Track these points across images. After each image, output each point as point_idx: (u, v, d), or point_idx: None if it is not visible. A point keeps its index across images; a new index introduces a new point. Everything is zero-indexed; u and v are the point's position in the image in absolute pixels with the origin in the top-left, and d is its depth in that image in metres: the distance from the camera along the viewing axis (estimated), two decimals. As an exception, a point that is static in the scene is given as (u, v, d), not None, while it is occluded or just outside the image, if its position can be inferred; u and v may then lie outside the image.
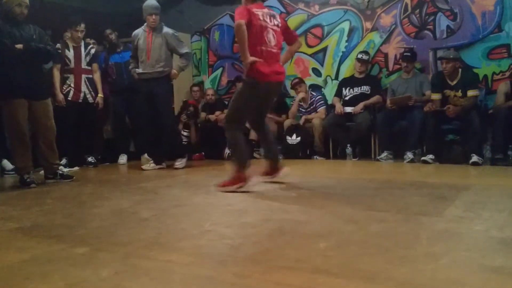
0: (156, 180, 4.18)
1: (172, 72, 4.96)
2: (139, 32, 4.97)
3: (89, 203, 3.08)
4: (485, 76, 5.11)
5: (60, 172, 4.22)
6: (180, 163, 5.03)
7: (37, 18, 4.17)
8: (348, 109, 5.50)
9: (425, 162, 4.74)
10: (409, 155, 4.94)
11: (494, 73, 5.07)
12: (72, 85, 5.22)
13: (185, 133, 6.16)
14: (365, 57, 5.61)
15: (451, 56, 4.77)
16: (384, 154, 5.13)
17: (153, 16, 4.84)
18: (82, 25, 5.17)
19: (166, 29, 4.98)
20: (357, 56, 5.66)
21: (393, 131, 5.21)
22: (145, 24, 4.95)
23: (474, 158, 4.48)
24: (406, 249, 1.82)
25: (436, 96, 4.90)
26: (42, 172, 4.30)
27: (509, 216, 2.36)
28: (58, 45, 5.14)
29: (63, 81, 5.23)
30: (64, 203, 3.13)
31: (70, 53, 5.21)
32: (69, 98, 5.19)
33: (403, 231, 2.12)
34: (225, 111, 6.31)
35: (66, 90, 5.20)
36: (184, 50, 5.02)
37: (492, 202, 2.75)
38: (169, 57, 5.00)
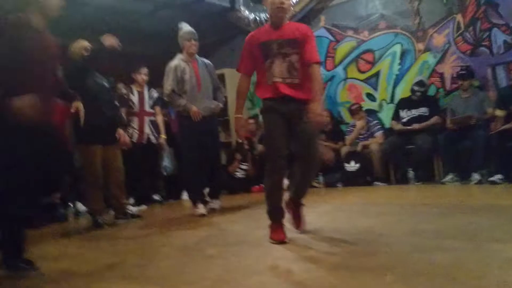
0: (219, 215, 4.28)
1: (219, 107, 4.54)
2: (180, 63, 4.36)
3: (158, 242, 3.22)
4: (552, 89, 4.85)
5: (130, 211, 4.43)
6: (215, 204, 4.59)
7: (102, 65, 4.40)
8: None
9: (493, 182, 4.53)
10: (476, 176, 4.75)
11: (561, 84, 4.82)
12: (136, 127, 5.51)
13: (243, 167, 6.30)
14: (421, 89, 5.49)
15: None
16: (449, 177, 4.96)
17: (193, 41, 4.37)
18: (145, 69, 5.48)
19: (203, 59, 4.55)
20: (411, 88, 5.58)
21: (456, 152, 5.04)
22: (179, 55, 4.43)
23: (547, 175, 4.24)
24: (477, 279, 1.77)
25: (500, 113, 4.71)
26: (112, 212, 4.53)
27: None
28: (124, 91, 5.47)
29: (128, 124, 5.52)
30: (135, 242, 3.29)
31: (135, 97, 5.53)
32: (134, 140, 5.46)
33: (473, 259, 2.05)
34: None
35: (130, 133, 5.48)
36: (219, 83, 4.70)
37: None
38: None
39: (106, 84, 4.22)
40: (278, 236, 2.76)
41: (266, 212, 2.85)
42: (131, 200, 5.29)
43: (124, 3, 5.72)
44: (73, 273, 2.52)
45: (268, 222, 2.85)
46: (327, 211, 3.93)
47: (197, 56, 4.47)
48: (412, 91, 5.54)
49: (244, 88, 2.98)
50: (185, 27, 4.47)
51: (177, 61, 4.38)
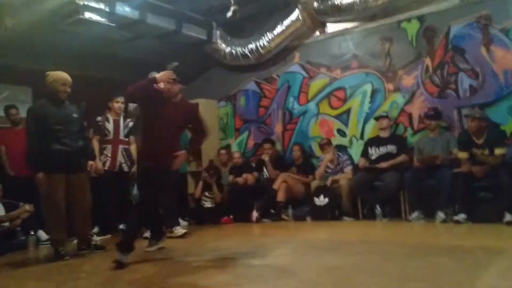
0: (184, 249, 4.21)
1: None
2: None
3: (120, 276, 3.13)
4: (513, 133, 5.07)
5: (94, 242, 4.31)
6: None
7: (78, 93, 4.39)
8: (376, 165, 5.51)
9: (457, 222, 4.62)
10: (441, 214, 4.84)
11: (522, 129, 5.03)
12: (109, 154, 5.41)
13: (209, 196, 6.27)
14: (383, 114, 5.73)
15: (477, 115, 4.79)
16: (415, 214, 5.05)
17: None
18: (122, 98, 5.44)
19: None
20: (375, 118, 5.84)
21: (422, 190, 5.15)
22: None
23: (508, 217, 4.36)
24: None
25: (463, 155, 4.86)
26: (75, 241, 4.40)
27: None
28: (99, 118, 5.41)
29: (101, 151, 5.43)
30: (96, 276, 3.19)
31: (110, 125, 5.45)
32: (106, 168, 5.36)
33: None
34: (254, 173, 6.48)
35: (103, 160, 5.38)
36: None
37: (528, 269, 2.67)
38: None
39: (75, 115, 4.17)
40: None
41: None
42: (96, 229, 5.17)
43: (103, 31, 5.72)
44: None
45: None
46: (296, 247, 3.92)
47: None
48: (375, 118, 5.81)
49: None
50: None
51: None
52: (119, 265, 3.32)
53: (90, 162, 4.38)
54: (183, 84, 3.85)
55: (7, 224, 4.93)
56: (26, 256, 4.52)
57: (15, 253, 4.55)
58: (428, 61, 5.67)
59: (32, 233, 5.01)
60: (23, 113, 5.31)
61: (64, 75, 4.10)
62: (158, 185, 3.57)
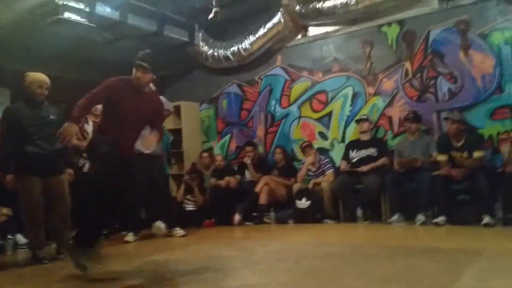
0: (167, 251, 4.17)
1: None
2: None
3: (99, 283, 3.07)
4: (491, 136, 5.16)
5: (72, 246, 4.24)
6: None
7: (58, 95, 4.32)
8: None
9: (436, 224, 4.69)
10: (421, 217, 4.91)
11: (499, 132, 5.13)
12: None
13: (191, 198, 6.25)
14: (363, 117, 5.81)
15: (456, 118, 4.87)
16: (396, 217, 5.10)
17: None
18: None
19: None
20: (355, 120, 5.93)
21: (402, 193, 5.22)
22: None
23: (486, 219, 4.44)
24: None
25: (442, 158, 4.94)
26: (54, 245, 4.32)
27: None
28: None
29: (80, 153, 5.34)
30: (74, 280, 3.13)
31: (89, 127, 5.36)
32: (85, 171, 5.26)
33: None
34: (236, 176, 6.48)
35: (82, 163, 5.28)
36: None
37: (504, 269, 2.72)
38: None
39: (52, 117, 4.09)
40: None
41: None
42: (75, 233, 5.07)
43: (84, 32, 5.65)
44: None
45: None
46: (278, 250, 3.92)
47: None
48: (356, 121, 5.90)
49: None
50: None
51: None
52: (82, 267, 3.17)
53: (69, 170, 4.34)
54: (157, 79, 3.71)
55: (-17, 227, 4.82)
56: (3, 260, 4.43)
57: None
58: (408, 65, 5.75)
59: (10, 236, 4.90)
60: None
61: (41, 77, 4.03)
62: (120, 172, 3.24)
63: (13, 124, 3.92)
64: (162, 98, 4.90)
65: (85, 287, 2.92)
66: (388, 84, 5.88)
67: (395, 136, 5.81)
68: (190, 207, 6.29)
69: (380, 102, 5.93)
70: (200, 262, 3.50)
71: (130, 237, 4.95)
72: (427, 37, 5.61)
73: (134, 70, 3.36)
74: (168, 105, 5.42)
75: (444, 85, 5.50)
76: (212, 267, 3.27)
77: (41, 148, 3.95)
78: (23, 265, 4.00)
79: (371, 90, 6.00)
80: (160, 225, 5.09)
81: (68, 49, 6.04)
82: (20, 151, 3.89)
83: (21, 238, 4.93)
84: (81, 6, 5.24)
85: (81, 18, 5.31)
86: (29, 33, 5.50)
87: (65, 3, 5.07)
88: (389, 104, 5.86)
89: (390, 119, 5.85)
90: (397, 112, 5.80)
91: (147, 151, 3.98)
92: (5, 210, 4.87)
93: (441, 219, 4.72)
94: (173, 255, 3.91)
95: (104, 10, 5.45)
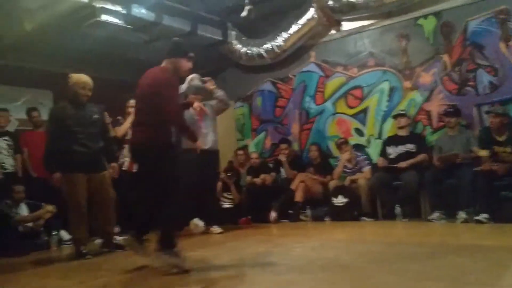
0: (204, 247, 4.23)
1: None
2: None
3: (140, 276, 3.15)
4: (535, 130, 4.95)
5: (115, 242, 4.36)
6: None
7: (94, 96, 4.43)
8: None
9: (479, 222, 4.53)
10: (462, 214, 4.76)
11: (544, 126, 4.91)
12: (128, 156, 5.45)
13: (228, 196, 6.30)
14: (401, 112, 5.69)
15: (499, 111, 4.71)
16: (436, 214, 4.97)
17: None
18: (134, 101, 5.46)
19: None
20: (392, 116, 5.81)
21: (443, 190, 5.08)
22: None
23: (531, 216, 4.28)
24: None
25: (484, 153, 4.77)
26: (98, 241, 4.46)
27: None
28: (120, 117, 5.47)
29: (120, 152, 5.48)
30: (117, 274, 3.23)
31: (123, 125, 5.49)
32: (124, 168, 5.40)
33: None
34: (271, 173, 6.48)
35: (121, 161, 5.43)
36: None
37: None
38: None
39: (95, 116, 4.23)
40: None
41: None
42: (117, 229, 5.21)
43: (121, 33, 5.79)
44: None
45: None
46: (314, 247, 3.91)
47: None
48: (393, 116, 5.79)
49: None
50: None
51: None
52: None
53: (113, 164, 4.47)
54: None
55: (30, 224, 5.04)
56: (48, 255, 4.62)
57: (38, 253, 4.65)
58: (446, 58, 5.59)
59: (55, 233, 5.11)
60: (44, 116, 5.41)
61: (84, 78, 4.18)
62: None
63: (59, 124, 4.09)
64: (220, 91, 5.13)
65: (127, 280, 3.00)
66: (426, 78, 5.74)
67: (434, 131, 5.67)
68: (227, 204, 6.35)
69: (418, 96, 5.79)
70: (237, 259, 3.54)
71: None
72: (465, 28, 5.45)
73: (180, 61, 3.46)
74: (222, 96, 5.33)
75: (484, 78, 5.32)
76: (248, 264, 3.30)
77: (86, 147, 4.11)
78: (67, 260, 4.16)
79: (408, 84, 5.87)
80: (198, 222, 5.17)
81: (105, 51, 6.22)
82: (66, 150, 4.04)
83: (65, 234, 5.14)
84: (118, 8, 5.37)
85: (118, 20, 5.43)
86: (68, 36, 5.68)
87: (102, 6, 5.21)
88: (428, 98, 5.72)
89: (428, 113, 5.71)
90: (435, 107, 5.65)
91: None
92: (50, 207, 5.10)
93: (483, 216, 4.56)
94: (210, 252, 3.96)
95: (140, 11, 5.57)
